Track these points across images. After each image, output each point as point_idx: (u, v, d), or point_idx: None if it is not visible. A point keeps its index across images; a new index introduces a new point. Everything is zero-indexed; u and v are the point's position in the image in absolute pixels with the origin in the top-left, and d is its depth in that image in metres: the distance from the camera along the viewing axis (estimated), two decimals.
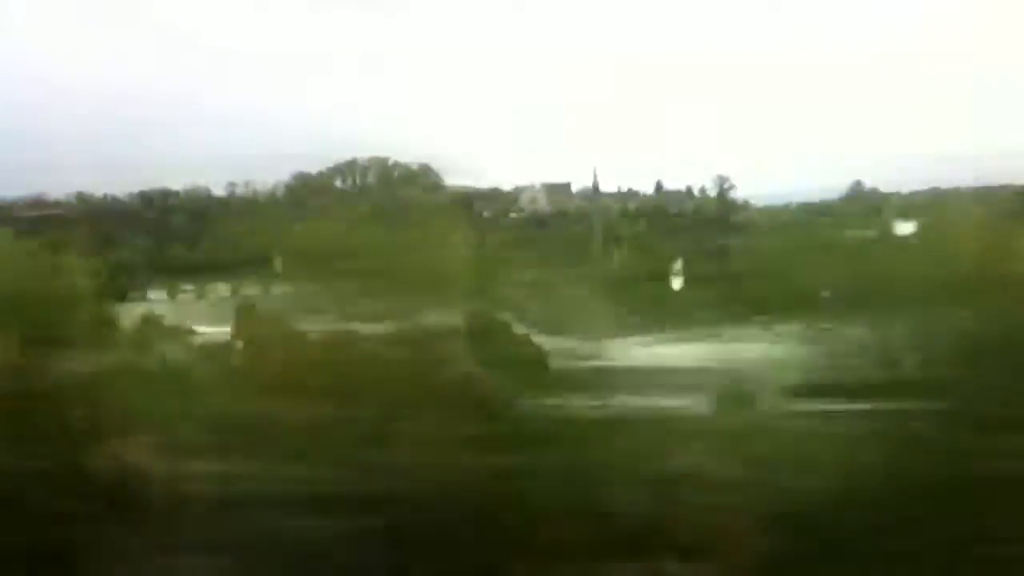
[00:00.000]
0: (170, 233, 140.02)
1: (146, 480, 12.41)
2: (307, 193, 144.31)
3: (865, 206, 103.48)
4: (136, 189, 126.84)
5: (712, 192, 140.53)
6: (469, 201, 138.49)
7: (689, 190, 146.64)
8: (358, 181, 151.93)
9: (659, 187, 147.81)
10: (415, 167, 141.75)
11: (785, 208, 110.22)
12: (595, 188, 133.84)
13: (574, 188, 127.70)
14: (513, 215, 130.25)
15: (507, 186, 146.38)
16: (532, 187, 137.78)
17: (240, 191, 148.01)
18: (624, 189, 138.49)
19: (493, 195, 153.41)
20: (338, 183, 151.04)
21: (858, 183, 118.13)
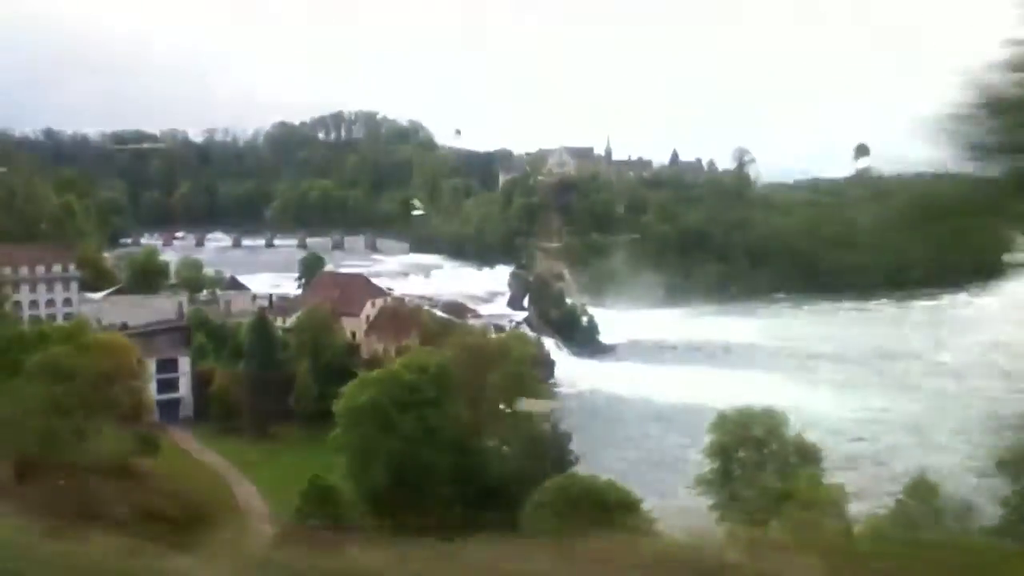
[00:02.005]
0: (146, 177, 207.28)
1: None
2: (291, 143, 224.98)
3: (871, 187, 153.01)
4: (108, 129, 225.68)
5: (730, 165, 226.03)
6: (485, 162, 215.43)
7: (699, 161, 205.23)
8: (343, 135, 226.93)
9: (675, 157, 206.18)
10: (404, 123, 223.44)
11: (794, 185, 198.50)
12: (608, 155, 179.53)
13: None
14: (541, 178, 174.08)
15: (517, 149, 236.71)
16: (559, 151, 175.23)
17: (219, 137, 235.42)
18: (634, 158, 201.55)
19: (504, 156, 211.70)
20: (321, 135, 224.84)
21: (866, 166, 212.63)
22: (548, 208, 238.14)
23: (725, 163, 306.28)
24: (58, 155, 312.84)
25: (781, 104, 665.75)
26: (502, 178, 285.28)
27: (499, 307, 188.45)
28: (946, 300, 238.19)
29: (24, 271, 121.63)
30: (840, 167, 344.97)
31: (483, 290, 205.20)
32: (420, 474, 69.28)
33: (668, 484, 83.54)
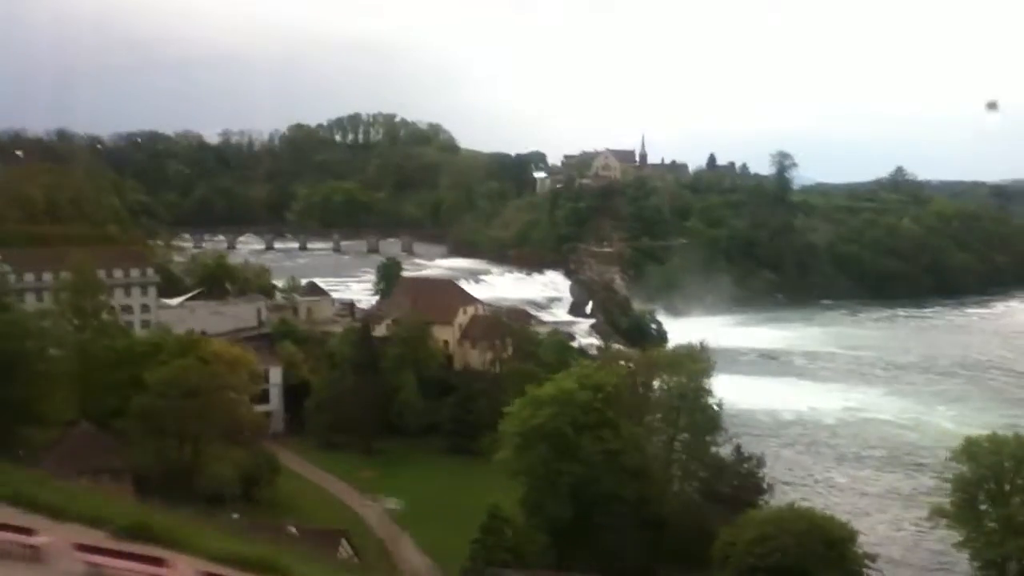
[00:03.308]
0: (162, 179, 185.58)
1: None
2: (309, 146, 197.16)
3: (908, 193, 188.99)
4: (122, 130, 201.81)
5: (765, 169, 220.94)
6: (516, 164, 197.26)
7: (732, 165, 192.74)
8: (361, 137, 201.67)
9: (712, 161, 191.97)
10: (423, 126, 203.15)
11: (832, 190, 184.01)
12: (643, 158, 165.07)
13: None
14: (586, 181, 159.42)
15: (549, 152, 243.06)
16: (604, 153, 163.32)
17: (235, 139, 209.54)
18: (667, 160, 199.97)
19: (537, 158, 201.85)
20: (338, 137, 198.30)
21: (900, 169, 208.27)
22: (596, 212, 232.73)
23: (759, 167, 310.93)
24: (72, 157, 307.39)
25: (818, 110, 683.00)
26: (539, 181, 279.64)
27: (560, 314, 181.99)
28: (999, 307, 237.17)
29: (102, 275, 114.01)
30: (876, 171, 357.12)
31: (539, 296, 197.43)
32: (603, 503, 63.26)
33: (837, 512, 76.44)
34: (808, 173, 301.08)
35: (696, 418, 71.55)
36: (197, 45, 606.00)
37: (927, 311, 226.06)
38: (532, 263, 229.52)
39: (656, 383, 73.59)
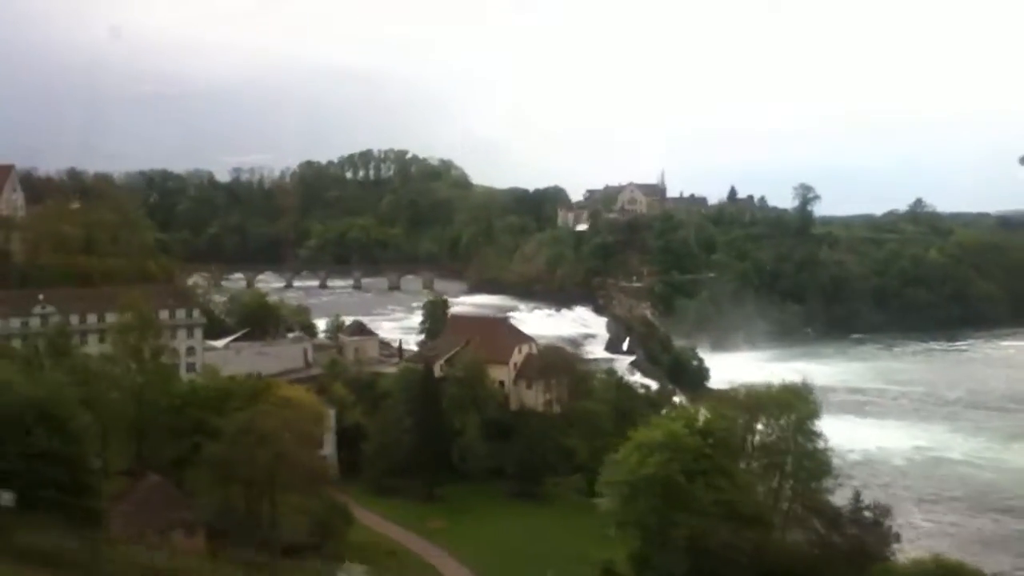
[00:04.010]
0: (174, 217, 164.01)
1: None
2: (320, 183, 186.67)
3: (927, 224, 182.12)
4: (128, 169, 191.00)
5: (784, 202, 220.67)
6: (534, 199, 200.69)
7: (750, 198, 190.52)
8: (372, 174, 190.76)
9: (732, 194, 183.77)
10: (435, 162, 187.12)
11: (852, 222, 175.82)
12: (663, 192, 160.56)
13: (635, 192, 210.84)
14: (613, 215, 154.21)
15: (569, 187, 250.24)
16: (630, 187, 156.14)
17: (245, 177, 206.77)
18: (687, 194, 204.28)
19: (554, 193, 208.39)
20: (349, 174, 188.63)
21: (919, 201, 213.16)
22: (623, 246, 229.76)
23: (775, 200, 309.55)
24: (84, 196, 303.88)
25: (830, 143, 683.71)
26: (561, 216, 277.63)
27: (596, 350, 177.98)
28: None
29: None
30: (895, 203, 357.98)
31: (571, 332, 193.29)
32: (720, 556, 58.96)
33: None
34: (820, 206, 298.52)
35: (804, 463, 67.57)
36: (203, 82, 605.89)
37: (960, 344, 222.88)
38: (559, 299, 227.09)
39: (760, 424, 69.35)
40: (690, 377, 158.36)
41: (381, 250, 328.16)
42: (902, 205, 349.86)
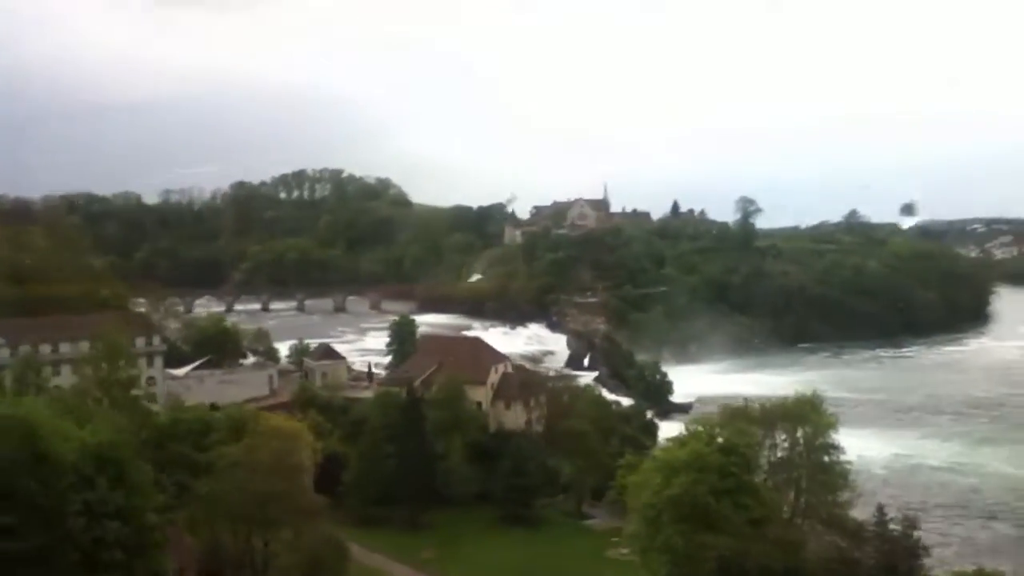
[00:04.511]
0: (101, 241, 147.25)
1: None
2: (253, 204, 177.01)
3: (861, 235, 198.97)
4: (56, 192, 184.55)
5: (724, 215, 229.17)
6: (477, 217, 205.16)
7: (691, 211, 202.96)
8: (306, 194, 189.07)
9: (676, 209, 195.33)
10: (371, 181, 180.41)
11: (788, 234, 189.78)
12: (606, 207, 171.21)
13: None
14: (563, 231, 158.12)
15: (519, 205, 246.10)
16: (579, 202, 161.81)
17: (175, 199, 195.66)
18: (628, 209, 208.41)
19: (497, 210, 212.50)
20: (283, 194, 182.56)
21: (853, 212, 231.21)
22: (575, 262, 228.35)
23: (718, 213, 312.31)
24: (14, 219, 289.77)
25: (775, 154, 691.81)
26: (508, 233, 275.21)
27: (556, 367, 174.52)
28: (973, 344, 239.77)
29: (85, 345, 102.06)
30: (831, 214, 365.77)
31: (527, 349, 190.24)
32: None
33: None
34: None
35: (820, 477, 66.10)
36: (124, 100, 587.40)
37: (906, 351, 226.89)
38: (511, 316, 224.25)
39: (776, 438, 67.48)
40: (655, 392, 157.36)
41: (321, 271, 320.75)
42: (833, 216, 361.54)
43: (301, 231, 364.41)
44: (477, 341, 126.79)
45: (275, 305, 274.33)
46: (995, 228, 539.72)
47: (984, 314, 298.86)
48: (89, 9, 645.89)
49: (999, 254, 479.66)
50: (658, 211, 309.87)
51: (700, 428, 64.40)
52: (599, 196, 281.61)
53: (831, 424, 65.67)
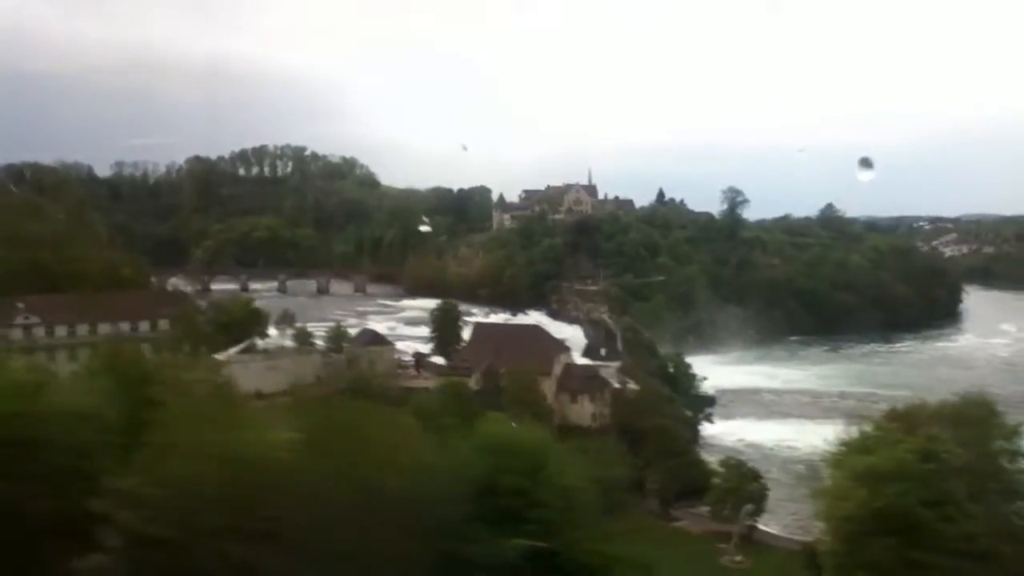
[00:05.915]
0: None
1: None
2: (211, 179, 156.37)
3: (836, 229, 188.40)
4: None
5: (709, 206, 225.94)
6: (457, 200, 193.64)
7: (672, 200, 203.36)
8: (267, 171, 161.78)
9: (661, 197, 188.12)
10: (336, 160, 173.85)
11: (762, 224, 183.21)
12: (594, 193, 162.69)
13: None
14: (559, 217, 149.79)
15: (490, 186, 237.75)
16: (575, 188, 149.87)
17: (128, 171, 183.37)
18: (611, 196, 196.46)
19: (479, 193, 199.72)
20: (242, 171, 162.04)
21: (830, 206, 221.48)
22: (574, 249, 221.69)
23: (695, 204, 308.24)
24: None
25: (755, 145, 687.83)
26: (496, 217, 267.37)
27: (574, 357, 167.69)
28: (960, 339, 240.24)
29: (125, 326, 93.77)
30: (807, 207, 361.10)
31: None
32: None
33: None
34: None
35: (992, 486, 60.54)
36: (76, 70, 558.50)
37: (899, 346, 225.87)
38: (507, 303, 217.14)
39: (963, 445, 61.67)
40: (682, 385, 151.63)
41: (294, 251, 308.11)
42: (811, 210, 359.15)
43: (264, 209, 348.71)
44: (538, 330, 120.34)
45: (255, 285, 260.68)
46: (940, 226, 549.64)
47: (957, 311, 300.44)
48: None
49: (947, 252, 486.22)
50: (639, 199, 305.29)
51: (880, 432, 58.50)
52: (585, 182, 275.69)
53: (1016, 430, 60.14)
